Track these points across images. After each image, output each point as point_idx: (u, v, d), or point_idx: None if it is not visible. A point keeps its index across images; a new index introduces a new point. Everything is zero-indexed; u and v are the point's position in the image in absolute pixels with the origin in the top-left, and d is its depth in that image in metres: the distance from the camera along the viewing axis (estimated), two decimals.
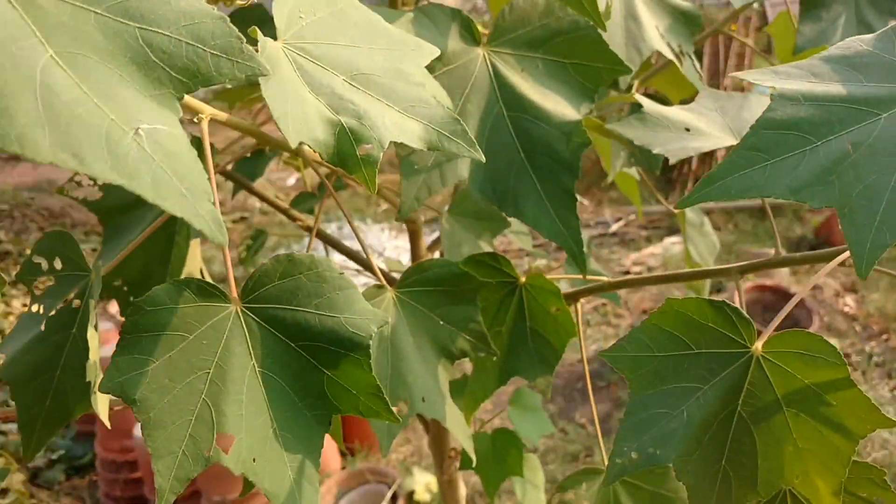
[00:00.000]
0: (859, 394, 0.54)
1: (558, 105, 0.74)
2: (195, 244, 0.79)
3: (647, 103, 0.78)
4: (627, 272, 3.89)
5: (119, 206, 0.83)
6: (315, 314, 0.53)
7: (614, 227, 4.54)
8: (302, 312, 0.53)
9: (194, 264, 0.80)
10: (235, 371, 0.52)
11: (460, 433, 0.70)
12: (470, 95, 0.74)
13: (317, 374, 0.54)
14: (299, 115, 0.47)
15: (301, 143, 0.46)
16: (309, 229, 1.01)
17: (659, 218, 4.49)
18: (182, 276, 0.79)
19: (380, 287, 0.68)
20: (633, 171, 1.27)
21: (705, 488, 0.57)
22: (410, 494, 2.48)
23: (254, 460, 0.51)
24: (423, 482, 2.43)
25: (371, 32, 0.54)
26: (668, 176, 4.73)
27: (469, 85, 0.74)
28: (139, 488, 2.66)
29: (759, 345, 0.56)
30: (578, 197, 0.71)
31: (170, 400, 0.50)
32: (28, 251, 0.66)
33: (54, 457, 2.84)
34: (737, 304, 0.66)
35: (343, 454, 2.84)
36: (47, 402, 0.64)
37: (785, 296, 3.15)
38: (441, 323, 0.71)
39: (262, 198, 0.96)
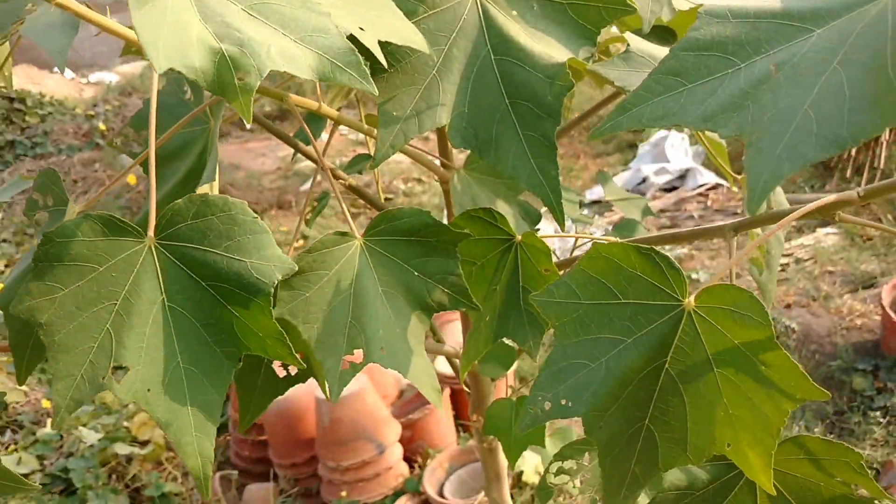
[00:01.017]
0: (788, 359, 0.49)
1: (549, 48, 0.71)
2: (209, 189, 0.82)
3: (636, 42, 0.73)
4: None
5: (158, 158, 0.87)
6: (224, 256, 0.54)
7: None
8: (212, 253, 0.54)
9: None
10: (143, 305, 0.54)
11: (425, 387, 0.69)
12: (457, 39, 0.72)
13: (226, 312, 0.55)
14: (175, 43, 0.47)
15: (171, 69, 0.47)
16: (352, 188, 1.03)
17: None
18: None
19: (345, 234, 0.68)
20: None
21: (622, 447, 0.53)
22: (519, 475, 2.47)
23: (148, 391, 0.53)
24: (533, 463, 2.41)
25: None
26: (826, 163, 4.40)
27: (456, 28, 0.72)
28: (265, 450, 2.80)
29: (691, 299, 0.52)
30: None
31: (75, 326, 0.53)
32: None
33: None
34: (730, 263, 0.61)
35: (459, 431, 2.86)
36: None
37: None
38: (416, 274, 0.70)
39: (310, 157, 0.97)
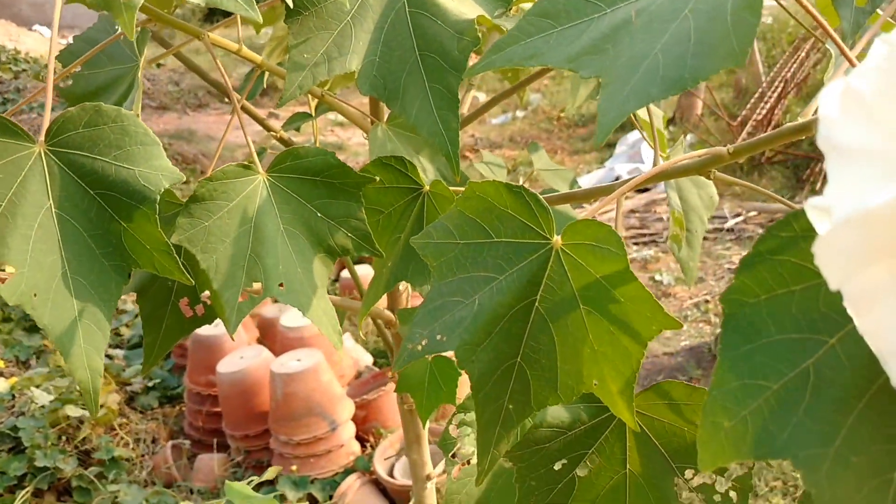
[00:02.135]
0: (643, 290, 0.50)
1: (462, 5, 0.72)
2: None
3: None
4: None
5: (87, 93, 0.88)
6: (113, 164, 0.55)
7: (731, 223, 4.34)
8: (101, 161, 0.55)
9: None
10: (28, 209, 0.55)
11: (325, 328, 0.70)
12: None
13: (114, 224, 0.56)
14: None
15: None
16: (282, 140, 1.04)
17: (781, 217, 4.23)
18: None
19: (247, 167, 0.70)
20: (657, 112, 1.20)
21: (495, 383, 0.54)
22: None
23: (34, 295, 0.54)
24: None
25: None
26: (798, 175, 4.46)
27: None
28: (219, 421, 2.80)
29: (558, 237, 0.53)
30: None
31: None
32: None
33: (150, 384, 3.04)
34: (615, 221, 0.63)
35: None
36: None
37: None
38: (318, 215, 0.72)
39: (250, 112, 0.98)
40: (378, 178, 0.79)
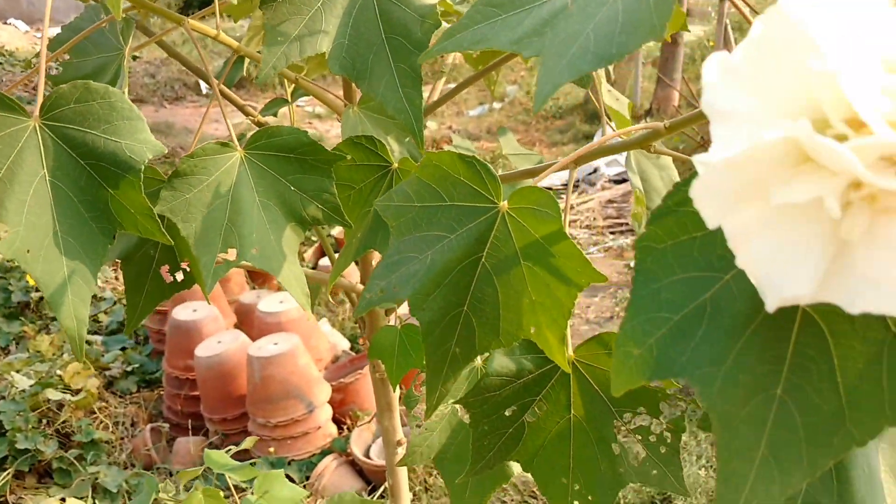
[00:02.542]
0: (574, 248, 0.57)
1: None
2: None
3: None
4: None
5: (75, 79, 0.93)
6: (101, 137, 0.61)
7: None
8: (91, 134, 0.61)
9: None
10: (25, 176, 0.60)
11: (294, 290, 0.76)
12: None
13: (102, 191, 0.61)
14: None
15: None
16: (259, 124, 1.09)
17: None
18: None
19: (226, 144, 0.75)
20: (623, 100, 1.27)
21: (443, 329, 0.61)
22: None
23: (28, 251, 0.60)
24: None
25: None
26: None
27: None
28: (197, 405, 2.85)
29: (505, 202, 0.59)
30: None
31: None
32: None
33: (129, 369, 3.08)
34: (568, 189, 0.69)
35: None
36: None
37: None
38: (292, 189, 0.77)
39: (228, 97, 1.04)
40: (349, 157, 0.85)
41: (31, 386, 2.63)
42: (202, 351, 2.74)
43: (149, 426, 2.80)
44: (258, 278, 3.61)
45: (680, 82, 5.39)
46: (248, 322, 3.07)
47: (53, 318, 3.30)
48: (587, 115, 5.59)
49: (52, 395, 2.61)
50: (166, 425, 2.86)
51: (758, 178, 0.34)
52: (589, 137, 5.53)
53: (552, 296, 0.58)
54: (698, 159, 0.36)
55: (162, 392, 3.03)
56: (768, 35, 0.34)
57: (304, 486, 2.54)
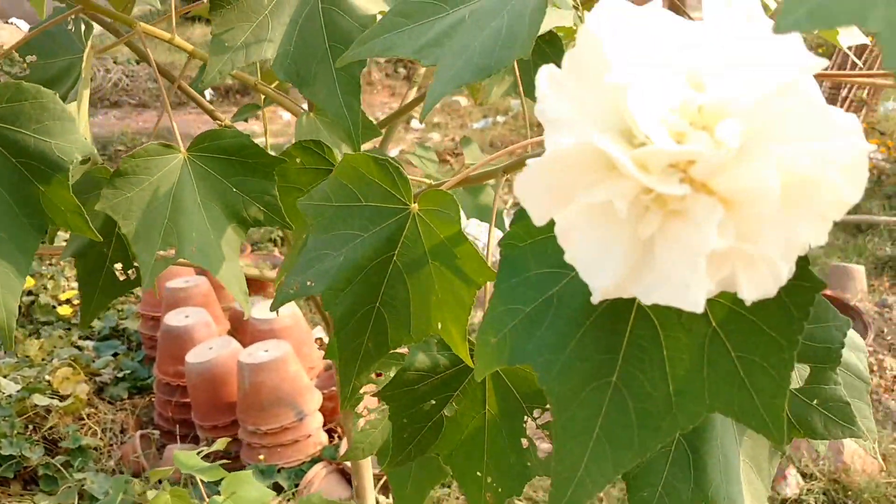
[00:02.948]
0: (473, 249, 0.62)
1: (367, 1, 0.85)
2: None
3: None
4: None
5: (42, 81, 1.00)
6: (32, 136, 0.67)
7: None
8: (22, 133, 0.67)
9: None
10: None
11: (233, 287, 0.82)
12: None
13: (33, 187, 0.68)
14: None
15: None
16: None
17: None
18: None
19: (169, 146, 0.82)
20: None
21: (356, 323, 0.66)
22: None
23: None
24: None
25: None
26: None
27: None
28: (188, 412, 2.92)
29: (416, 204, 0.65)
30: None
31: None
32: None
33: (120, 375, 3.16)
34: (496, 201, 0.75)
35: None
36: None
37: (843, 307, 3.05)
38: (234, 190, 0.83)
39: (199, 104, 1.10)
40: (298, 160, 0.91)
41: (18, 391, 2.71)
42: (193, 357, 2.81)
43: (138, 433, 2.87)
44: (252, 285, 3.68)
45: None
46: (242, 329, 3.14)
47: (44, 323, 3.39)
48: None
49: (40, 400, 2.69)
50: (156, 432, 2.93)
51: (569, 180, 0.40)
52: None
53: (455, 293, 0.64)
54: (529, 161, 0.41)
55: (153, 398, 3.10)
56: (580, 50, 0.39)
57: (294, 494, 2.60)
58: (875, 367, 3.13)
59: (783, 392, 0.43)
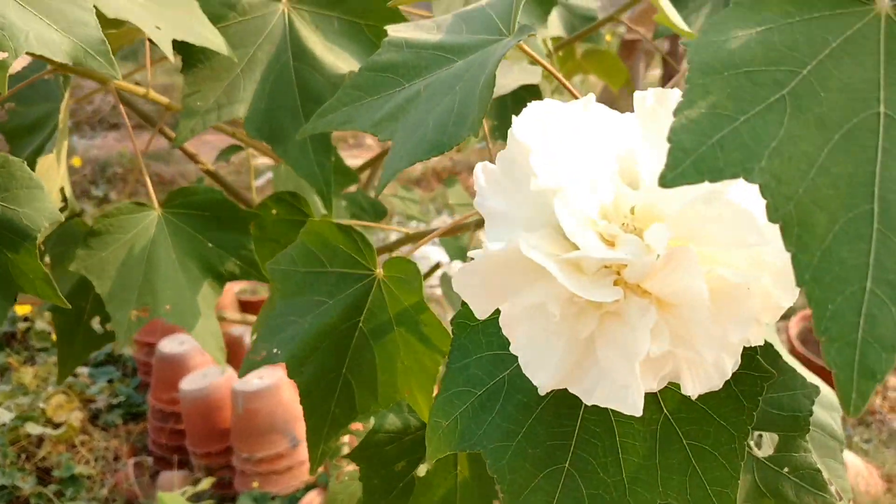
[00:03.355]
0: (435, 319, 0.63)
1: (339, 59, 0.86)
2: (47, 163, 0.96)
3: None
4: None
5: (21, 127, 1.01)
6: (1, 205, 0.68)
7: None
8: None
9: (48, 183, 0.97)
10: None
11: (209, 345, 0.83)
12: (263, 44, 0.87)
13: (2, 255, 0.69)
14: None
15: None
16: (208, 172, 1.17)
17: None
18: None
19: (142, 204, 0.82)
20: None
21: (322, 391, 0.67)
22: None
23: None
24: None
25: None
26: None
27: (263, 35, 0.87)
28: (182, 438, 2.92)
29: (381, 270, 0.66)
30: None
31: None
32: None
33: (115, 402, 3.16)
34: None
35: None
36: None
37: None
38: (210, 245, 0.84)
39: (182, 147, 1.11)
40: (274, 211, 0.92)
41: (11, 420, 2.71)
42: (187, 384, 2.81)
43: (132, 460, 2.87)
44: (250, 310, 3.69)
45: None
46: (237, 355, 3.15)
47: (40, 349, 3.40)
48: None
49: (33, 429, 2.69)
50: (150, 459, 2.93)
51: (504, 280, 0.40)
52: None
53: (420, 361, 0.64)
54: (470, 254, 0.42)
55: (147, 425, 3.10)
56: (511, 152, 0.40)
57: None
58: (879, 388, 3.13)
59: (734, 482, 0.44)
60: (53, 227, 0.88)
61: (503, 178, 0.41)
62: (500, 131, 1.11)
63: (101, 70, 0.64)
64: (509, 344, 0.49)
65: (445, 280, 1.29)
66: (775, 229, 0.38)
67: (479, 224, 0.75)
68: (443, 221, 4.29)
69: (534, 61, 0.98)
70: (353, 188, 1.18)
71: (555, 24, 1.27)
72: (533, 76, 0.86)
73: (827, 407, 0.69)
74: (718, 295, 0.37)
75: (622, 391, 0.39)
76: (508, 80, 0.82)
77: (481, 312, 0.42)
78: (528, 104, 1.05)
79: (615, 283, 0.39)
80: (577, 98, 0.44)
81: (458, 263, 1.18)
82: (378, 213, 1.14)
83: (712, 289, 0.37)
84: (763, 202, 0.28)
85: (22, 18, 0.63)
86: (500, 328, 0.49)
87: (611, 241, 0.38)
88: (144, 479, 2.87)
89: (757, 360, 0.44)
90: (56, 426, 2.84)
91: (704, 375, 0.40)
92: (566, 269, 0.37)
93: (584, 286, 0.37)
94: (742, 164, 0.27)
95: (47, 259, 0.91)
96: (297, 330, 0.67)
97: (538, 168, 0.37)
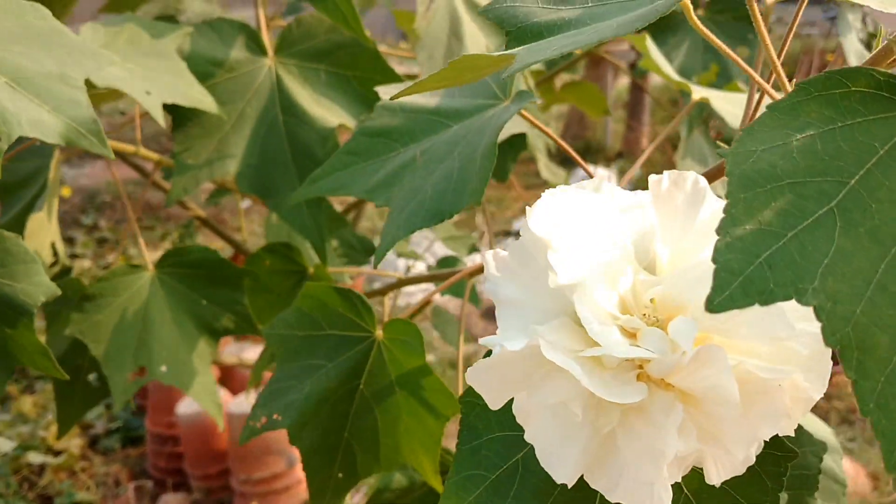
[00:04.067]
0: (439, 383, 0.59)
1: (328, 112, 0.82)
2: (38, 220, 0.91)
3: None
4: None
5: (11, 183, 0.96)
6: None
7: None
8: None
9: (39, 239, 0.92)
10: None
11: (205, 401, 0.79)
12: (251, 100, 0.83)
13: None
14: None
15: None
16: (199, 218, 1.13)
17: None
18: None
19: (136, 266, 0.78)
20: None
21: (324, 456, 0.63)
22: None
23: None
24: None
25: (51, 42, 0.64)
26: None
27: (252, 91, 0.83)
28: (180, 462, 2.86)
29: (380, 331, 0.62)
30: None
31: None
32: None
33: (113, 427, 3.09)
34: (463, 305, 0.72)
35: None
36: None
37: None
38: (204, 303, 0.80)
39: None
40: (267, 262, 0.88)
41: (13, 449, 2.64)
42: (183, 408, 2.75)
43: (132, 484, 2.81)
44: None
45: (648, 124, 5.44)
46: (231, 376, 3.09)
47: (38, 377, 3.32)
48: (562, 157, 5.64)
49: (34, 458, 2.62)
50: (150, 482, 2.86)
51: (522, 374, 0.37)
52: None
53: (424, 424, 0.61)
54: (484, 341, 0.38)
55: (146, 449, 3.03)
56: (525, 244, 0.37)
57: None
58: None
59: None
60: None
61: (518, 267, 0.38)
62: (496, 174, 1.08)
63: (94, 150, 0.60)
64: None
65: (438, 313, 1.25)
66: (803, 317, 0.34)
67: (473, 273, 0.72)
68: (433, 254, 4.24)
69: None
70: None
71: None
72: (520, 125, 0.83)
73: (829, 451, 0.66)
74: (748, 390, 0.34)
75: (647, 489, 0.35)
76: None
77: (495, 404, 0.39)
78: (513, 141, 1.00)
79: (638, 378, 0.35)
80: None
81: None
82: (368, 250, 1.10)
83: (741, 383, 0.34)
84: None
85: (14, 102, 0.59)
86: (508, 407, 0.46)
87: (633, 332, 0.35)
88: (145, 502, 2.80)
89: (779, 439, 0.40)
90: (56, 454, 2.77)
91: (728, 465, 0.37)
92: (587, 367, 0.34)
93: (607, 385, 0.34)
94: (794, 284, 0.24)
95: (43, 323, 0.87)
96: (297, 395, 0.63)
97: (556, 265, 0.34)
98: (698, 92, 0.62)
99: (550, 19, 0.38)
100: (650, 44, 0.67)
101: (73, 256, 3.89)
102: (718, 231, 0.24)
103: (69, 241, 4.15)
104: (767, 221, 0.24)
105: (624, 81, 5.89)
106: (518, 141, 1.03)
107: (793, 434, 0.35)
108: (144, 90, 0.71)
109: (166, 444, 2.90)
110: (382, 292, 0.91)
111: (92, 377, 0.89)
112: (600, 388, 0.33)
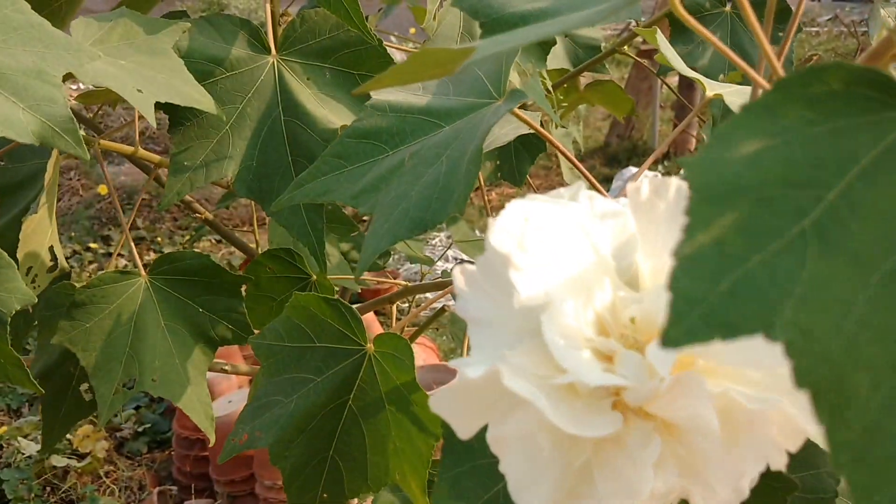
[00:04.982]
0: (427, 398, 0.57)
1: (332, 112, 0.80)
2: (34, 222, 0.91)
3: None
4: None
5: (10, 184, 0.96)
6: None
7: None
8: None
9: (36, 242, 0.91)
10: None
11: (197, 416, 0.77)
12: (252, 100, 0.81)
13: None
14: None
15: None
16: (207, 220, 1.12)
17: None
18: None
19: (126, 272, 0.77)
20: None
21: (308, 475, 0.61)
22: None
23: None
24: None
25: (28, 36, 0.63)
26: None
27: (252, 90, 0.81)
28: (207, 466, 2.87)
29: (371, 344, 0.60)
30: None
31: None
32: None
33: (140, 429, 3.12)
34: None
35: None
36: None
37: None
38: (201, 311, 0.79)
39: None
40: (269, 268, 0.86)
41: (37, 452, 2.67)
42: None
43: (156, 489, 2.82)
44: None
45: (696, 125, 5.35)
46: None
47: None
48: (607, 158, 5.57)
49: (57, 461, 2.65)
50: (174, 488, 2.88)
51: (487, 402, 0.34)
52: (609, 180, 5.51)
53: (413, 443, 0.58)
54: (454, 364, 0.36)
55: (172, 452, 3.05)
56: (490, 259, 0.34)
57: None
58: None
59: None
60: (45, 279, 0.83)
61: (485, 283, 0.35)
62: (503, 171, 1.05)
63: (69, 150, 0.59)
64: None
65: (455, 320, 1.23)
66: None
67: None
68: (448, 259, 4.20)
69: (532, 106, 0.92)
70: None
71: (559, 57, 1.22)
72: (521, 128, 0.80)
73: None
74: (731, 420, 0.31)
75: None
76: (506, 129, 0.76)
77: (464, 434, 0.36)
78: (530, 142, 0.98)
79: (615, 406, 0.33)
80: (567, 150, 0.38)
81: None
82: (382, 255, 1.08)
83: (724, 413, 0.31)
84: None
85: None
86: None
87: (609, 356, 0.32)
88: None
89: (778, 472, 0.37)
90: (81, 457, 2.80)
91: (718, 499, 0.34)
92: (556, 396, 0.31)
93: (576, 416, 0.31)
94: (761, 315, 0.21)
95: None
96: (282, 411, 0.61)
97: (519, 283, 0.31)
98: (712, 88, 0.59)
99: (525, 9, 0.35)
100: (660, 37, 0.64)
101: (108, 255, 3.93)
102: (675, 253, 0.22)
103: (105, 239, 4.19)
104: (731, 242, 0.22)
105: (673, 81, 5.80)
106: (536, 142, 1.01)
107: (783, 468, 0.32)
108: (136, 88, 0.70)
109: (193, 447, 2.90)
110: (391, 300, 0.89)
111: (84, 387, 0.87)
112: (567, 420, 0.31)
